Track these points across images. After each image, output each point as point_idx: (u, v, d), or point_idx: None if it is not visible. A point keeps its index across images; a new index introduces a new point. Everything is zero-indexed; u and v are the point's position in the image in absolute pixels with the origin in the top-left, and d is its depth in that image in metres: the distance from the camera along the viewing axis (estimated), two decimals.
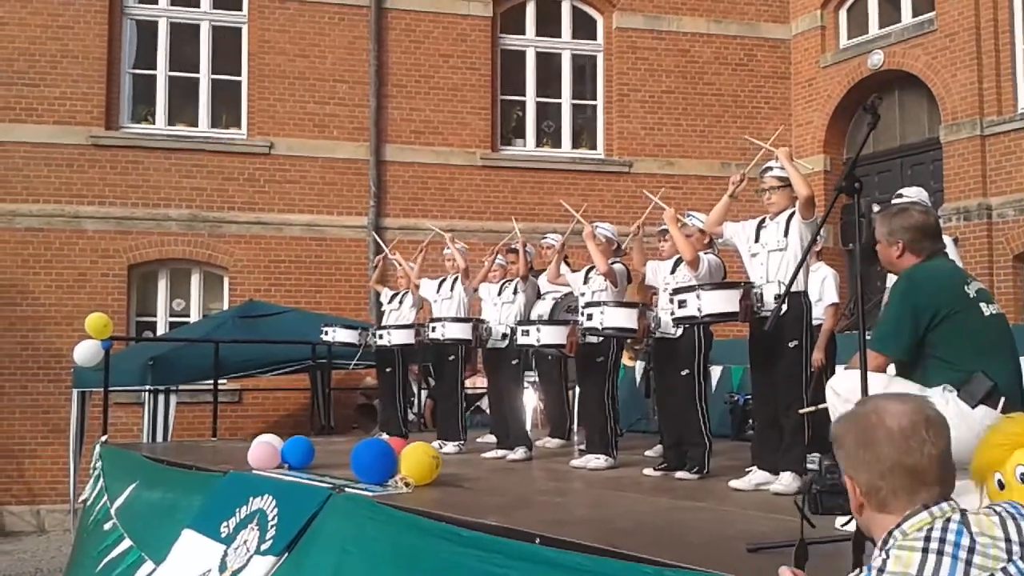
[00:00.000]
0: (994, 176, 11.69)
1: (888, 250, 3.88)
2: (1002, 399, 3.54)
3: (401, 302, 9.17)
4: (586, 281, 7.08)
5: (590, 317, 6.39)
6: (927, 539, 1.77)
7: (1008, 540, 1.77)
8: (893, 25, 13.14)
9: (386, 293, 9.57)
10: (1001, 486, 2.41)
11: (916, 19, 12.81)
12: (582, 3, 14.32)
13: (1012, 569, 1.74)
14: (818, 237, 5.66)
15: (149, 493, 6.97)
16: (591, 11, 14.36)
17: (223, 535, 5.36)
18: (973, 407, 3.50)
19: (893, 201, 5.65)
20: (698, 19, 14.31)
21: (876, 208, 5.14)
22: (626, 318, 6.35)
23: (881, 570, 1.77)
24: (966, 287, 3.76)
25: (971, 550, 1.75)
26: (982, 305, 3.73)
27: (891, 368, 3.83)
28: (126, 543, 6.58)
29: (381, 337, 8.86)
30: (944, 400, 3.51)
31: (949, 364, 3.61)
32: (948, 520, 1.79)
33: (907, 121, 13.17)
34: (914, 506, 1.83)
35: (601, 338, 6.65)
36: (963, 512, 1.84)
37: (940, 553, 1.74)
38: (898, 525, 1.82)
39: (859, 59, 13.41)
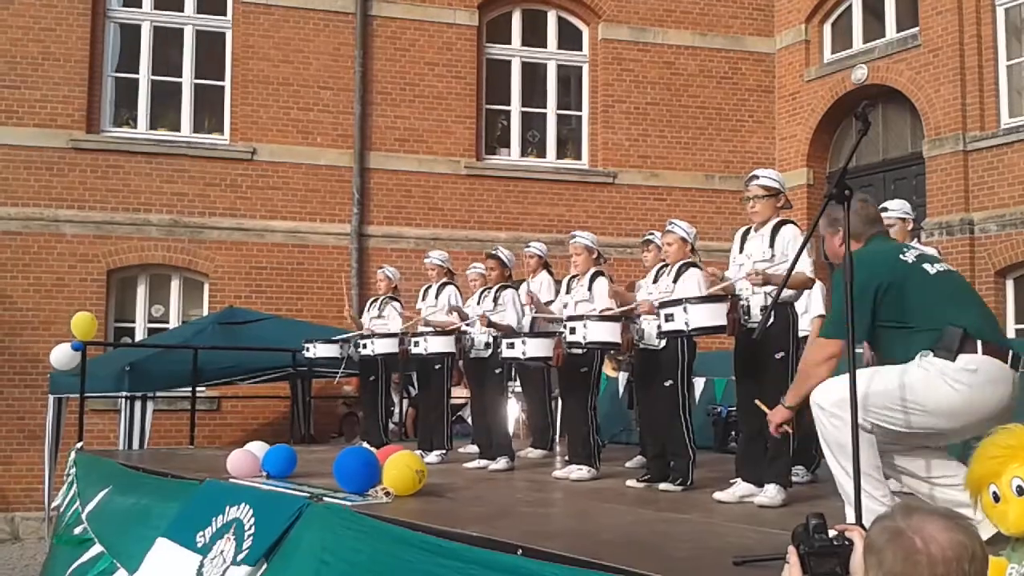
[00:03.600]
0: (976, 191, 11.74)
1: (831, 240, 4.03)
2: (979, 342, 3.55)
3: (380, 309, 9.08)
4: (568, 291, 7.04)
5: (573, 331, 6.36)
6: None
7: None
8: (877, 40, 13.21)
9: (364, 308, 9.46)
10: (996, 498, 2.37)
11: (900, 34, 12.88)
12: (568, 14, 14.33)
13: None
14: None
15: (122, 499, 6.87)
16: (577, 22, 14.38)
17: (199, 545, 5.27)
18: (953, 360, 3.53)
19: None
20: (683, 32, 14.34)
21: None
22: (609, 332, 6.33)
23: None
24: (902, 255, 3.83)
25: None
26: (925, 266, 3.78)
27: (865, 358, 3.83)
28: (96, 548, 6.48)
29: (365, 347, 8.78)
30: (924, 368, 3.54)
31: (913, 329, 3.63)
32: None
33: (890, 135, 13.23)
34: None
35: (586, 349, 6.61)
36: None
37: None
38: None
39: (843, 73, 13.47)
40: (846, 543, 2.02)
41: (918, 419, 3.56)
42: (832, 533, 2.05)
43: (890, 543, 1.88)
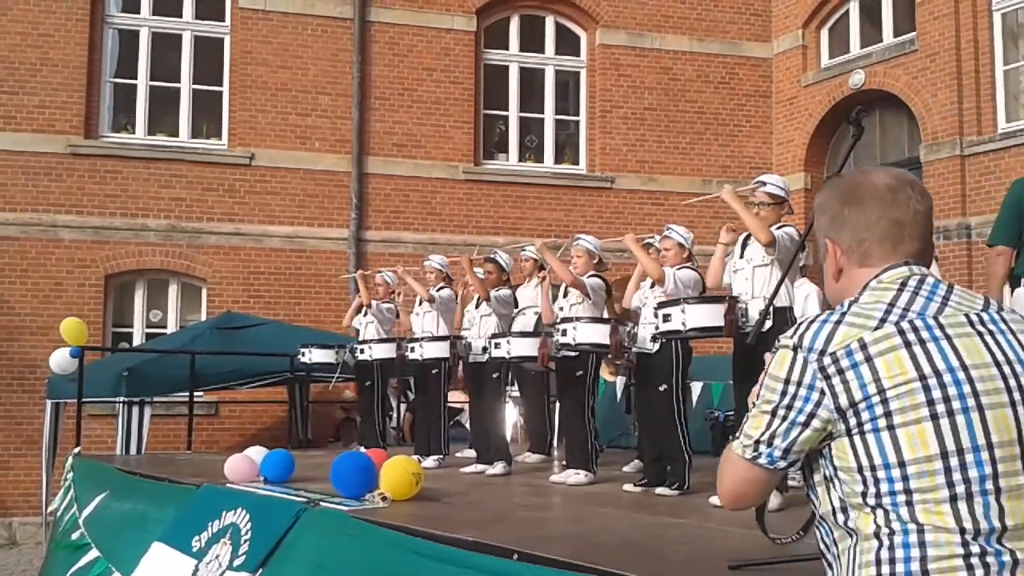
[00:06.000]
0: (973, 196, 11.76)
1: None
2: None
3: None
4: (566, 295, 7.05)
5: (564, 333, 6.38)
6: (903, 284, 1.76)
7: (987, 301, 1.77)
8: (874, 45, 13.24)
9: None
10: None
11: (897, 39, 12.90)
12: (566, 19, 14.35)
13: (985, 316, 1.74)
14: (800, 253, 5.65)
15: (119, 504, 6.86)
16: (575, 27, 14.40)
17: (194, 549, 5.27)
18: None
19: None
20: (681, 37, 14.36)
21: None
22: (598, 334, 6.33)
23: (854, 301, 1.76)
24: None
25: (946, 297, 1.75)
26: None
27: None
28: (93, 553, 6.47)
29: (362, 352, 8.78)
30: None
31: None
32: (926, 276, 1.79)
33: (887, 140, 13.24)
34: (895, 257, 1.81)
35: (578, 352, 6.61)
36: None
37: (915, 293, 1.75)
38: (876, 275, 1.80)
39: (840, 78, 13.49)
40: None
41: None
42: None
43: (833, 193, 1.91)
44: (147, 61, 12.93)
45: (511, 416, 9.82)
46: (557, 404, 8.32)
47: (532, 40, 14.26)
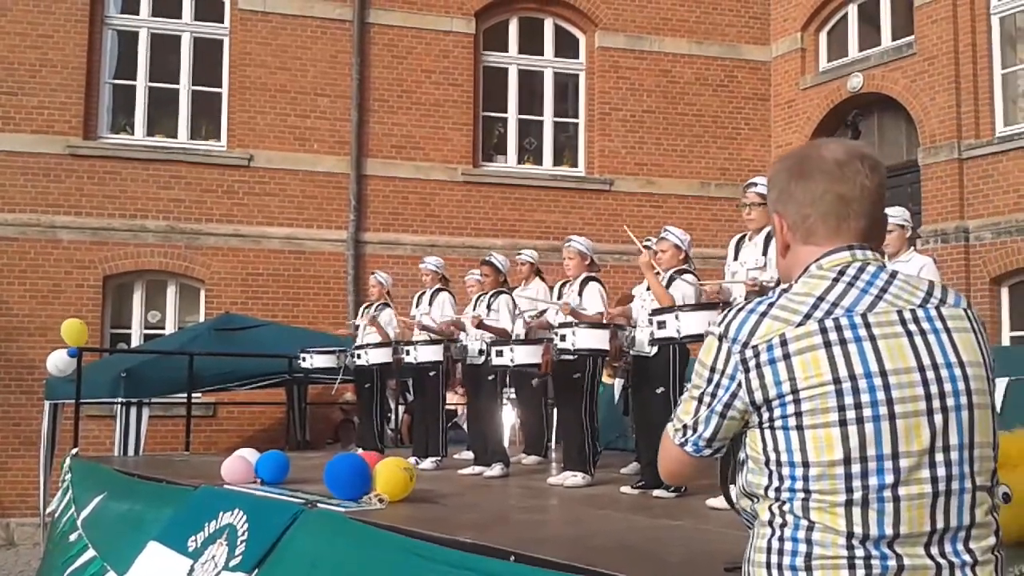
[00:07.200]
0: (971, 199, 11.77)
1: None
2: None
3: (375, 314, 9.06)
4: (559, 297, 7.05)
5: (563, 338, 6.37)
6: (840, 272, 1.73)
7: (929, 293, 1.72)
8: (873, 48, 13.25)
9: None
10: None
11: (895, 42, 12.92)
12: (565, 22, 14.36)
13: (921, 313, 1.68)
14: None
15: (117, 505, 6.86)
16: (574, 30, 14.41)
17: (190, 549, 5.27)
18: None
19: None
20: (679, 40, 14.38)
21: None
22: (597, 339, 6.35)
23: (786, 290, 1.73)
24: None
25: (884, 289, 1.71)
26: None
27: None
28: (90, 553, 6.47)
29: (359, 357, 8.78)
30: None
31: None
32: (868, 264, 1.74)
33: (886, 143, 13.25)
34: (840, 238, 1.77)
35: (576, 356, 6.61)
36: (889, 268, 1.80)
37: (850, 284, 1.71)
38: (817, 260, 1.76)
39: (839, 81, 13.50)
40: None
41: None
42: None
43: (782, 166, 1.86)
44: (146, 62, 12.93)
45: (508, 418, 9.81)
46: (555, 406, 8.33)
47: (531, 42, 14.27)
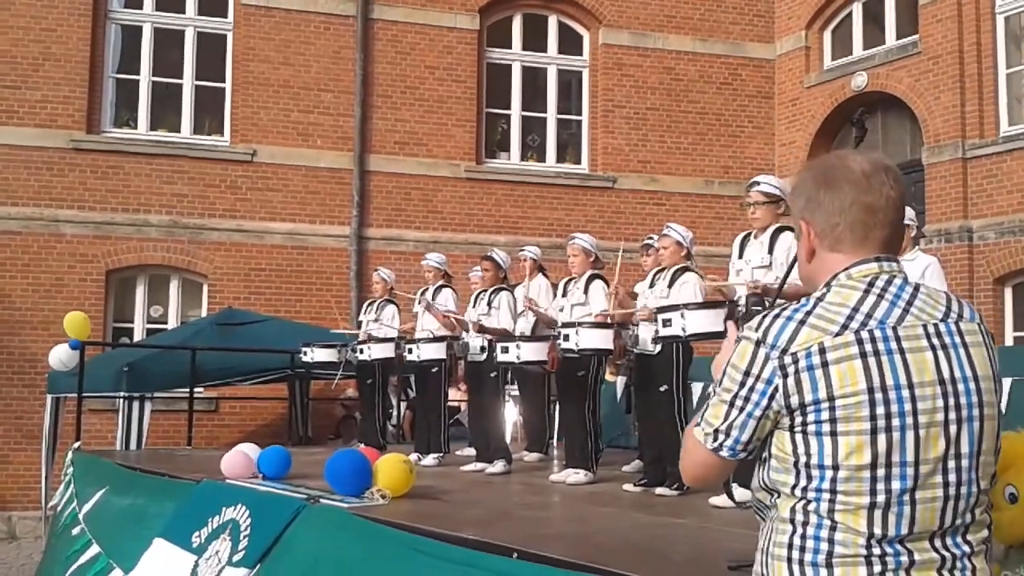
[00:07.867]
0: (975, 199, 11.76)
1: None
2: None
3: (378, 312, 9.07)
4: (564, 294, 7.05)
5: (567, 338, 6.37)
6: (870, 284, 1.80)
7: (949, 307, 1.81)
8: (877, 47, 13.23)
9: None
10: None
11: (900, 41, 12.90)
12: (568, 19, 14.34)
13: (943, 328, 1.78)
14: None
15: (119, 499, 6.86)
16: (577, 27, 14.39)
17: (195, 545, 5.27)
18: None
19: None
20: (683, 37, 14.36)
21: None
22: (601, 339, 6.34)
23: (820, 299, 1.79)
24: None
25: (910, 302, 1.79)
26: None
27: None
28: (94, 549, 6.47)
29: (361, 352, 8.78)
30: None
31: None
32: (894, 276, 1.83)
33: (890, 142, 13.24)
34: (867, 248, 1.84)
35: (580, 354, 6.61)
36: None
37: (880, 296, 1.78)
38: (846, 269, 1.83)
39: (843, 80, 13.48)
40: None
41: None
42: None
43: (808, 176, 1.93)
44: (150, 57, 12.93)
45: (511, 415, 9.82)
46: (557, 403, 8.33)
47: (535, 39, 14.25)
